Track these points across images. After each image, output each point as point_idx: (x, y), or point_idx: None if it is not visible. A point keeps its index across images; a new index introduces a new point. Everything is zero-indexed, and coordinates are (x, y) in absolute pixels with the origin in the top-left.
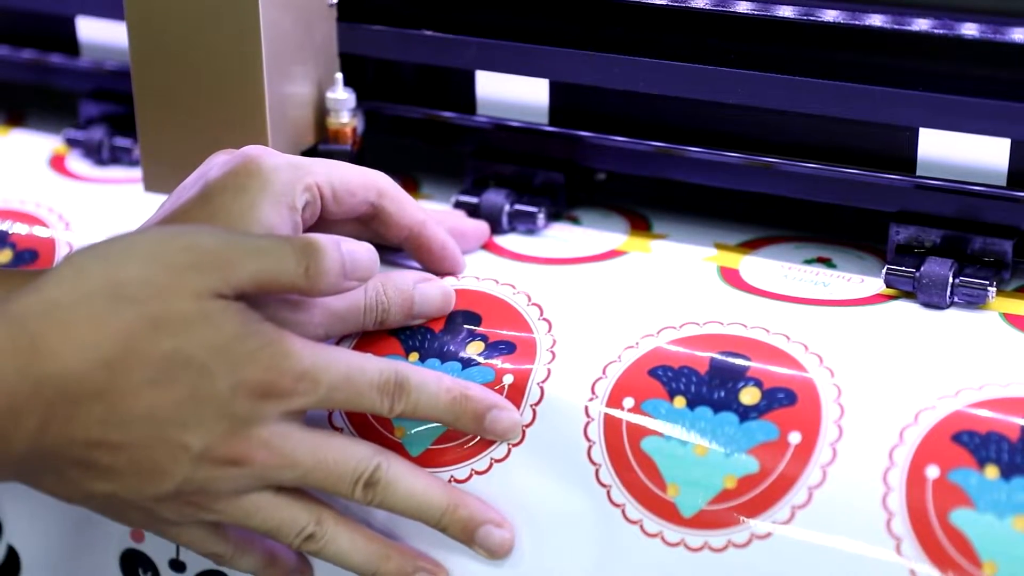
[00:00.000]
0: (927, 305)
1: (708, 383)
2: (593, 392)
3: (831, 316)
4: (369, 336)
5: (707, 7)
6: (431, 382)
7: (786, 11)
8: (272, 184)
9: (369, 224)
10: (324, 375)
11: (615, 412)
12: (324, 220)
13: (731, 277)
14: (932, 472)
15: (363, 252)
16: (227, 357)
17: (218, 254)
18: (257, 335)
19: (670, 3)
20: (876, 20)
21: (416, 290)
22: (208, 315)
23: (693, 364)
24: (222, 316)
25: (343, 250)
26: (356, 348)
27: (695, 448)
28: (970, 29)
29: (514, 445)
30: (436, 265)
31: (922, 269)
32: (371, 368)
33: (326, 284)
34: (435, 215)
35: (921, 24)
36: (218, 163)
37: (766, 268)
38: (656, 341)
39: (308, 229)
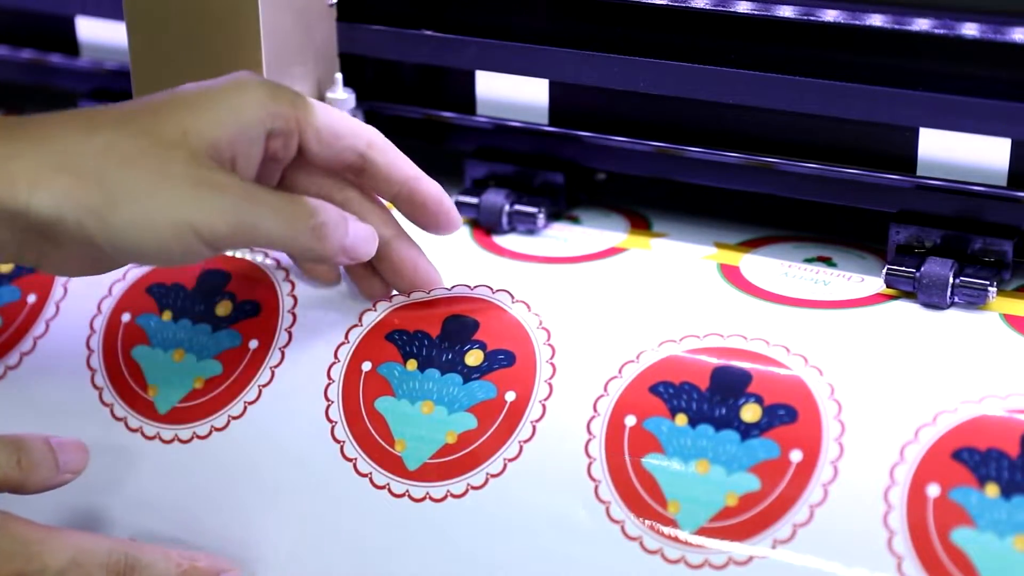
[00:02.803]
0: (927, 305)
1: (709, 400)
2: (595, 410)
3: (831, 321)
4: (367, 343)
5: (707, 7)
6: (159, 559)
7: (786, 11)
8: (245, 94)
9: (359, 177)
10: (51, 559)
11: (617, 430)
12: (310, 165)
13: (731, 275)
14: (933, 491)
15: (71, 446)
16: None
17: None
18: None
19: (670, 3)
20: (876, 20)
21: (351, 226)
22: None
23: (694, 380)
24: None
25: (52, 444)
26: (354, 355)
27: (696, 466)
28: (970, 29)
29: (511, 460)
30: (431, 221)
31: (922, 269)
32: (100, 550)
33: (39, 477)
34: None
35: (921, 24)
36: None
37: (766, 266)
38: (656, 355)
39: (289, 170)
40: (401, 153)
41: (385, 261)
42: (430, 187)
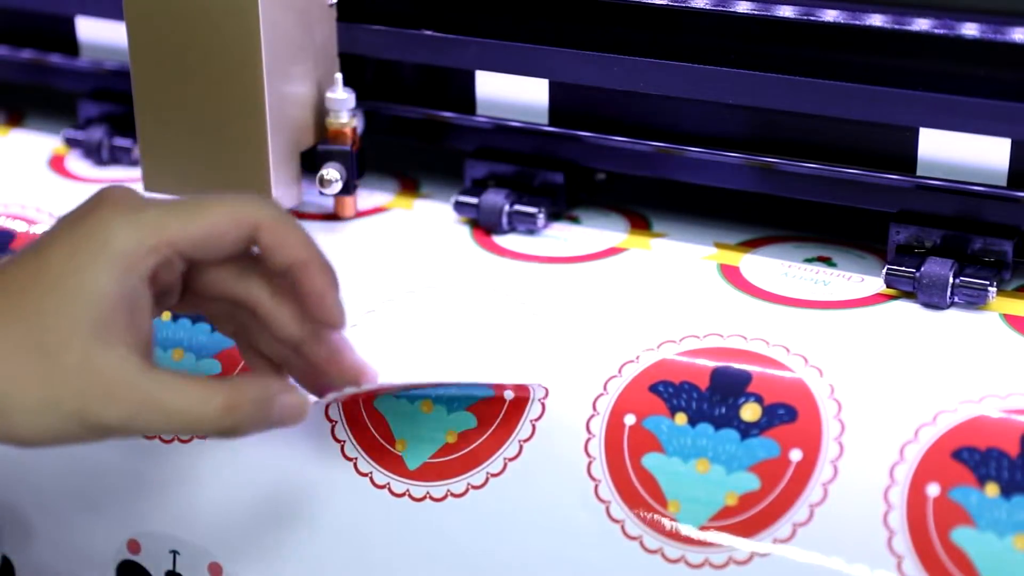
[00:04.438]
0: (927, 305)
1: (709, 399)
2: (595, 409)
3: (831, 321)
4: None
5: (707, 7)
6: None
7: (786, 11)
8: (110, 246)
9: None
10: None
11: (617, 429)
12: (202, 264)
13: (731, 275)
14: (933, 490)
15: None
16: None
17: None
18: None
19: (670, 3)
20: (876, 20)
21: (277, 402)
22: None
23: (694, 379)
24: None
25: None
26: None
27: (696, 465)
28: (970, 29)
29: (511, 459)
30: (309, 312)
31: (922, 269)
32: None
33: None
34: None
35: (921, 24)
36: (78, 209)
37: (766, 266)
38: (657, 355)
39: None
40: (298, 232)
41: (294, 367)
42: (315, 278)
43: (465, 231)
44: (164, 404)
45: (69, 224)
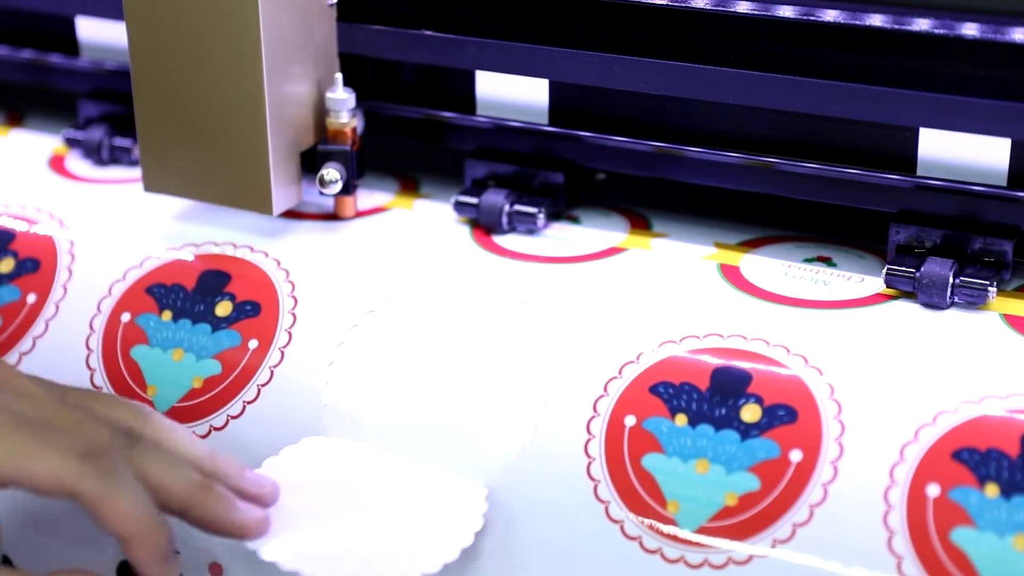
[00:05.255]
0: (927, 305)
1: (709, 400)
2: (595, 410)
3: (831, 321)
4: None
5: (707, 7)
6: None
7: (786, 11)
8: None
9: None
10: None
11: (617, 430)
12: None
13: (731, 275)
14: (933, 490)
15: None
16: None
17: None
18: None
19: (670, 3)
20: (876, 20)
21: None
22: None
23: (694, 380)
24: None
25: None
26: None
27: (696, 465)
28: (970, 29)
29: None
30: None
31: (922, 269)
32: None
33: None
34: (218, 463)
35: (921, 24)
36: None
37: (766, 266)
38: (656, 356)
39: None
40: (124, 505)
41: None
42: (137, 552)
43: (465, 231)
44: None
45: None
